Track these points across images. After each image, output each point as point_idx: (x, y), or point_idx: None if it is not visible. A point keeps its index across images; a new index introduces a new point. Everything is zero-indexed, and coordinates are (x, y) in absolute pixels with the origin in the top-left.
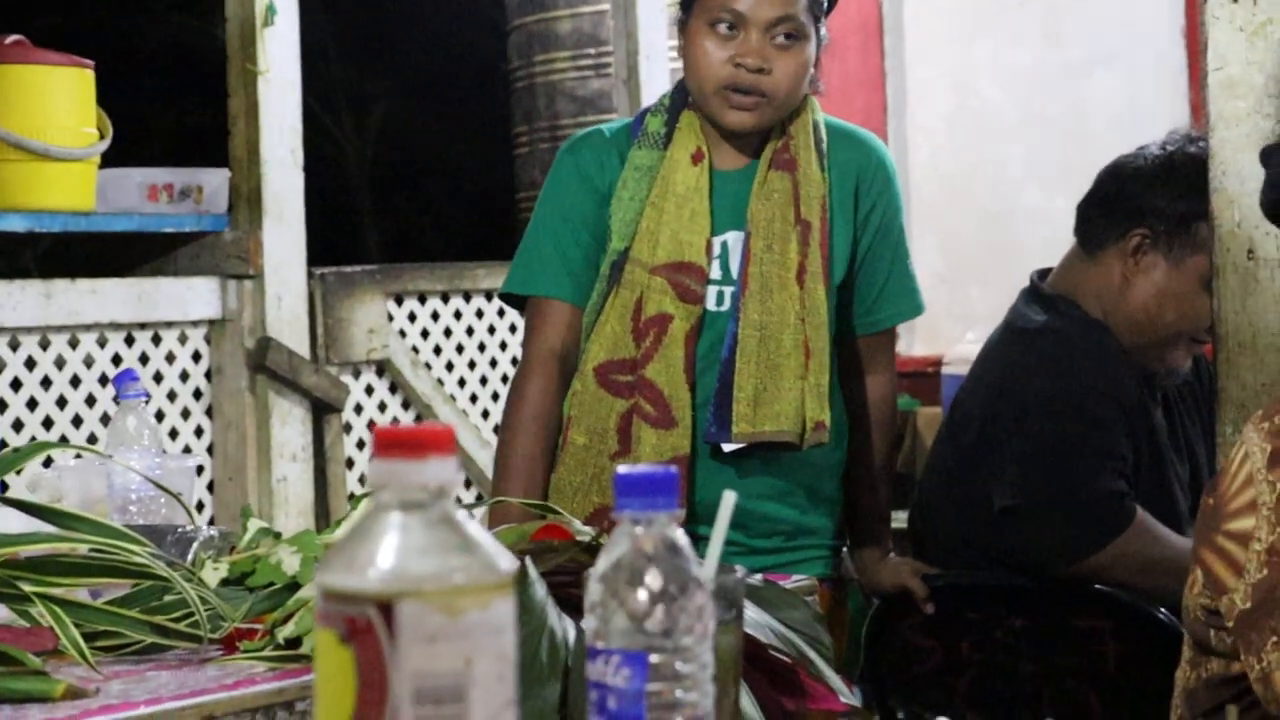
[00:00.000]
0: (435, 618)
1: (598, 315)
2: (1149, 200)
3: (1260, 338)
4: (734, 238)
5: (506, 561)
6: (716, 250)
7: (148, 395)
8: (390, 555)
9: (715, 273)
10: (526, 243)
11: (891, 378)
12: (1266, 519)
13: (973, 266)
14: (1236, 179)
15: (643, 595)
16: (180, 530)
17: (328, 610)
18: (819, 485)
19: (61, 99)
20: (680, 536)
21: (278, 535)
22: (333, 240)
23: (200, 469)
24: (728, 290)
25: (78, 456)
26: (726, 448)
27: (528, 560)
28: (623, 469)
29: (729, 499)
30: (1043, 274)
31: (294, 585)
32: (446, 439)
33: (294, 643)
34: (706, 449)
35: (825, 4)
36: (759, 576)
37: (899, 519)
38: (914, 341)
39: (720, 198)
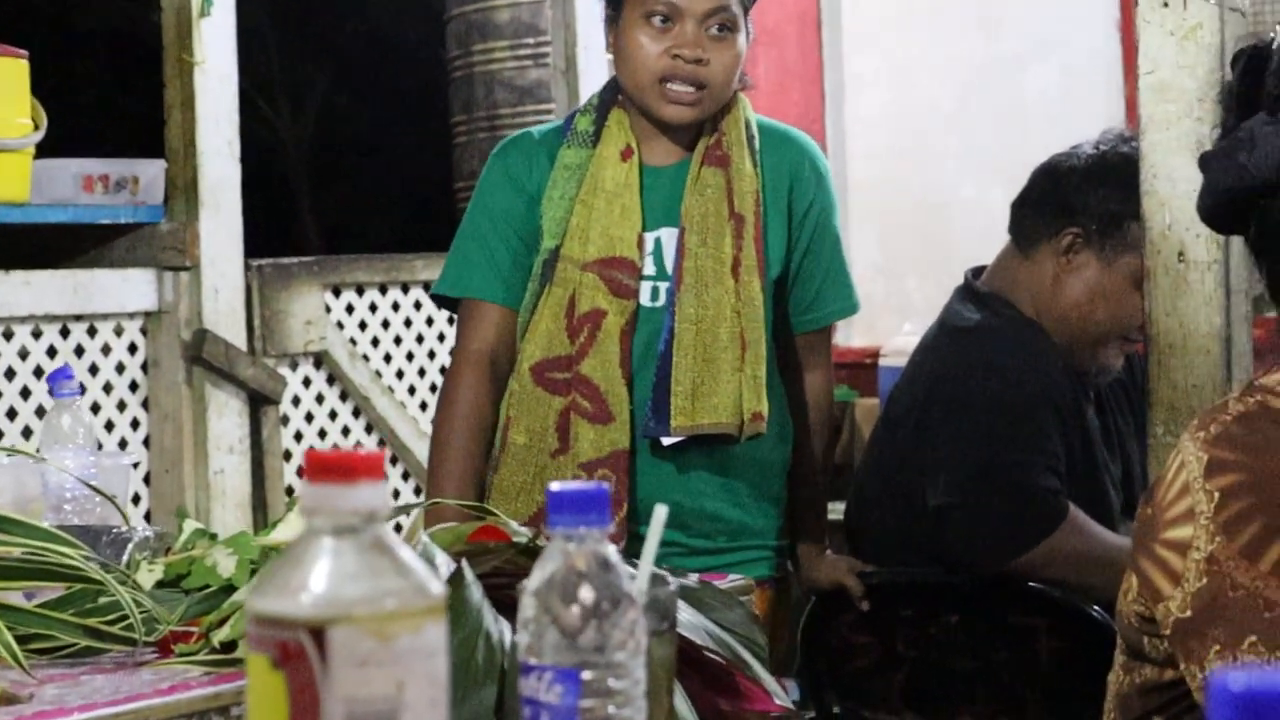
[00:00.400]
0: (367, 642)
1: (531, 314)
2: (1081, 199)
3: (1191, 340)
4: (667, 234)
5: (438, 585)
6: (649, 246)
7: (82, 390)
8: (322, 580)
9: (649, 268)
10: (456, 245)
11: (828, 375)
12: (1205, 528)
13: (910, 258)
14: (1168, 182)
15: (575, 611)
16: (115, 531)
17: (260, 635)
18: (763, 483)
19: None
20: (612, 552)
21: (213, 536)
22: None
23: (136, 464)
24: (662, 286)
25: (11, 454)
26: (665, 441)
27: (464, 562)
28: (554, 486)
29: (660, 513)
30: (977, 272)
31: (229, 588)
32: (376, 464)
33: (229, 646)
34: (646, 445)
35: None
36: (694, 577)
37: (835, 510)
38: (851, 333)
39: (651, 194)
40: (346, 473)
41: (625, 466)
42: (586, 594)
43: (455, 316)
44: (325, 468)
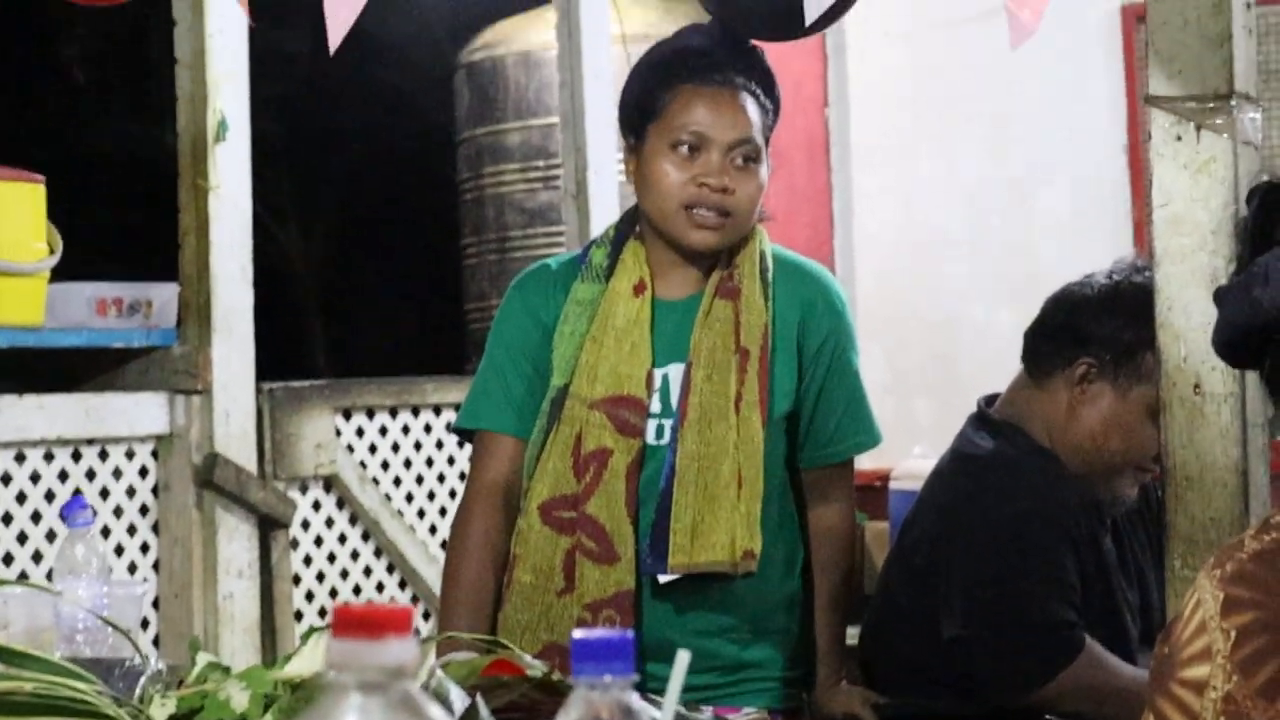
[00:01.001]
0: None
1: (540, 452)
2: (1095, 329)
3: (1208, 472)
4: (675, 370)
5: None
6: (657, 383)
7: (94, 516)
8: None
9: (655, 406)
10: (476, 379)
11: (849, 507)
12: (1222, 667)
13: (919, 379)
14: (1183, 314)
15: None
16: (127, 664)
17: None
18: (767, 618)
19: (11, 214)
20: (635, 700)
21: (226, 670)
22: (281, 352)
23: (146, 591)
24: (667, 423)
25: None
26: (662, 579)
27: (479, 697)
28: (578, 633)
29: (682, 658)
30: (990, 400)
31: None
32: (405, 619)
33: None
34: (648, 582)
35: (772, 129)
36: (710, 711)
37: (849, 636)
38: (861, 456)
39: (662, 329)
40: (375, 628)
41: (630, 606)
42: None
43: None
44: (353, 622)
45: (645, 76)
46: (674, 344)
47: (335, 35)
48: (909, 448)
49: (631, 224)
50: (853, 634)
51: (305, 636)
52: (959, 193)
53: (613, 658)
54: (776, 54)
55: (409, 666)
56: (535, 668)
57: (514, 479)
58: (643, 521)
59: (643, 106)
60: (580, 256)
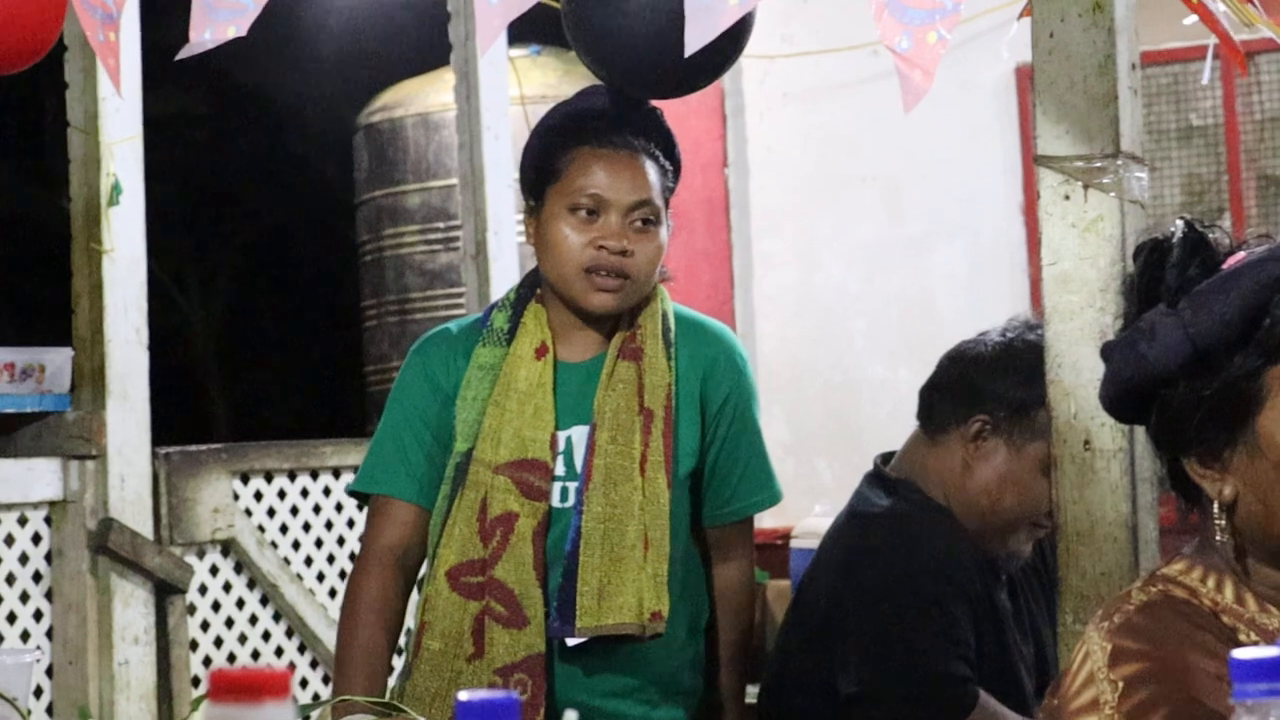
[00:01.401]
0: None
1: (445, 519)
2: (989, 386)
3: (1099, 527)
4: (579, 433)
5: None
6: (561, 446)
7: None
8: None
9: (560, 469)
10: (374, 442)
11: (749, 565)
12: (1109, 717)
13: (819, 439)
14: (1072, 371)
15: None
16: None
17: None
18: (674, 677)
19: None
20: None
21: None
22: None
23: (38, 659)
24: (571, 485)
25: None
26: (570, 642)
27: None
28: (462, 695)
29: (570, 718)
30: (886, 457)
31: None
32: (282, 683)
33: None
34: (557, 646)
35: (671, 190)
36: None
37: (750, 694)
38: (762, 515)
39: (565, 391)
40: (251, 692)
41: (541, 671)
42: None
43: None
44: (229, 687)
45: (544, 139)
46: (577, 406)
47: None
48: (810, 506)
49: (532, 287)
50: (753, 692)
51: (196, 704)
52: (858, 253)
53: (498, 718)
54: (676, 115)
55: None
56: None
57: (409, 544)
58: (551, 584)
59: (542, 169)
60: (481, 320)
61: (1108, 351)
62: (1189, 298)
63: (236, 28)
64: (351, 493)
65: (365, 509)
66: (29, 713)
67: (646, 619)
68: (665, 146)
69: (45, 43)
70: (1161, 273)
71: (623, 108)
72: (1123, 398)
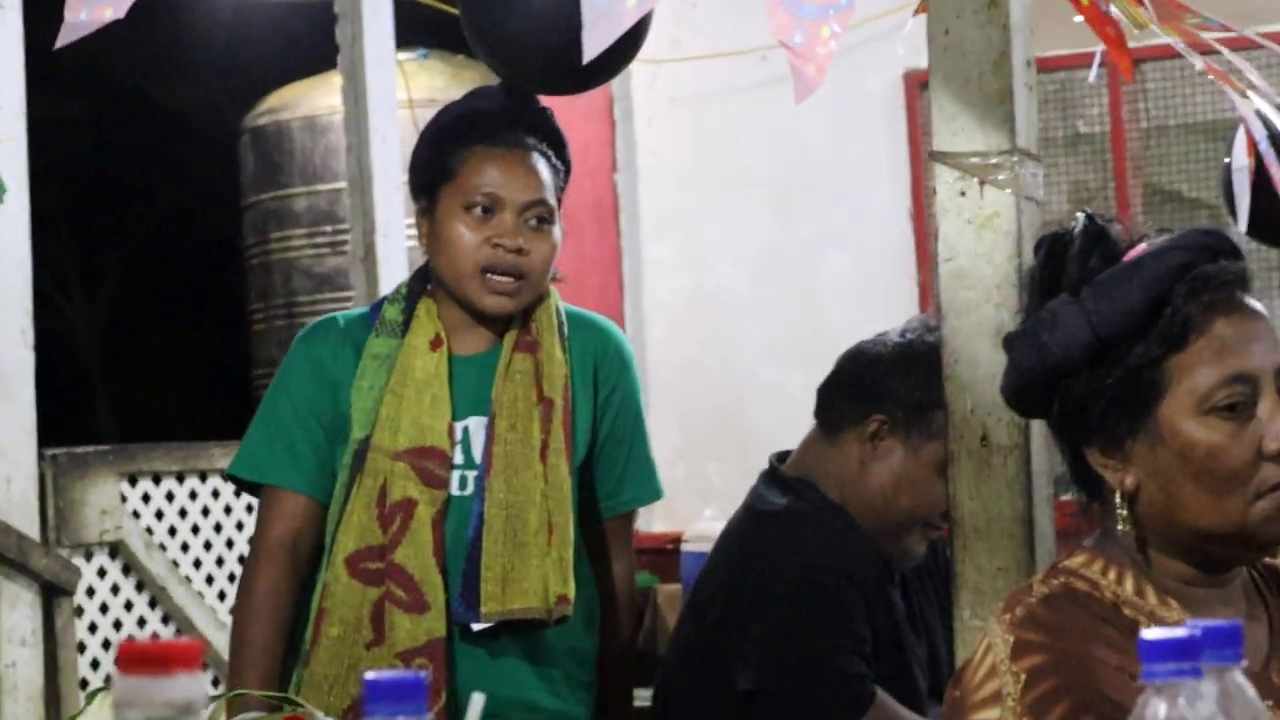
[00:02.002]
0: None
1: (344, 506)
2: (887, 386)
3: (995, 523)
4: (475, 423)
5: None
6: (458, 435)
7: None
8: None
9: (458, 458)
10: (255, 427)
11: (631, 561)
12: (1012, 709)
13: (710, 443)
14: (969, 366)
15: None
16: None
17: None
18: (576, 671)
19: None
20: None
21: None
22: (62, 419)
23: None
24: (470, 474)
25: None
26: (475, 627)
27: None
28: (370, 675)
29: (477, 700)
30: (782, 456)
31: None
32: (193, 654)
33: None
34: (459, 632)
35: (563, 190)
36: None
37: (643, 698)
38: (653, 518)
39: (461, 383)
40: (162, 664)
41: (443, 655)
42: None
43: (254, 503)
44: (139, 659)
45: (436, 139)
46: (472, 398)
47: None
48: (701, 510)
49: (423, 281)
50: (643, 696)
51: (90, 697)
52: (747, 257)
53: (405, 699)
54: (564, 119)
55: (198, 702)
56: None
57: (301, 536)
58: (451, 572)
59: (434, 169)
60: (370, 314)
61: (1009, 342)
62: (1091, 286)
63: (114, 9)
64: (230, 477)
65: (254, 509)
66: None
67: (552, 603)
68: (556, 146)
69: None
70: (1063, 264)
71: (513, 107)
72: (1025, 388)
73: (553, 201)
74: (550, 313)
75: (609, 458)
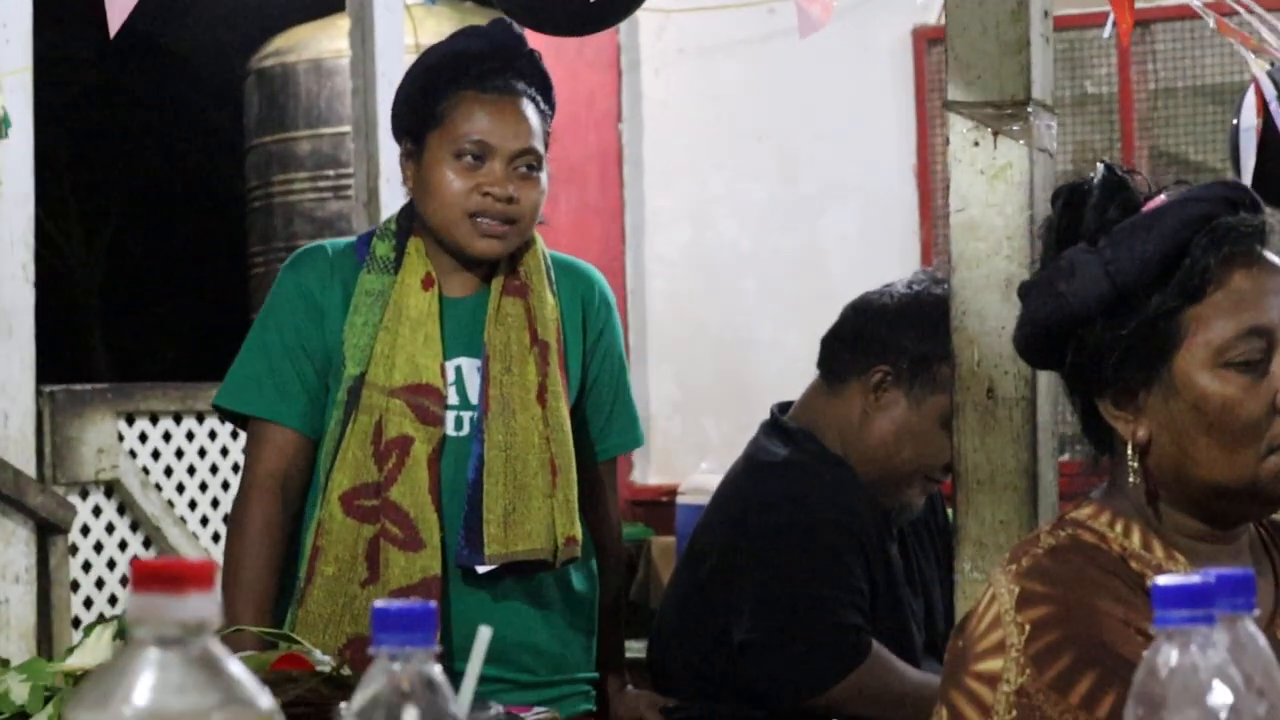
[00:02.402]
0: None
1: (338, 444)
2: (893, 338)
3: (999, 475)
4: (467, 363)
5: (266, 700)
6: (451, 375)
7: None
8: (146, 693)
9: (452, 398)
10: (243, 357)
11: (617, 507)
12: (1015, 660)
13: (707, 397)
14: (977, 318)
15: None
16: None
17: None
18: (577, 615)
19: None
20: (437, 673)
21: (5, 663)
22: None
23: None
24: (466, 415)
25: None
26: (480, 569)
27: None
28: (379, 603)
29: (484, 634)
30: (784, 407)
31: (23, 715)
32: (207, 573)
33: None
34: (459, 575)
35: (549, 134)
36: (500, 708)
37: (636, 649)
38: (648, 470)
39: (450, 324)
40: (176, 582)
41: (438, 594)
42: (411, 715)
43: (245, 438)
44: (153, 576)
45: (423, 81)
46: (462, 339)
47: (115, 22)
48: (697, 464)
49: (410, 219)
50: (636, 647)
51: (88, 630)
52: (750, 211)
53: (414, 628)
54: (570, 68)
55: (211, 622)
56: (324, 663)
57: (291, 470)
58: (449, 513)
59: (422, 113)
60: (359, 247)
61: (1024, 291)
62: (1109, 236)
63: None
64: (216, 408)
65: (240, 436)
66: None
67: (561, 544)
68: (544, 89)
69: None
70: (1081, 215)
71: (503, 50)
72: (1039, 338)
73: (541, 148)
74: (538, 257)
75: (597, 402)
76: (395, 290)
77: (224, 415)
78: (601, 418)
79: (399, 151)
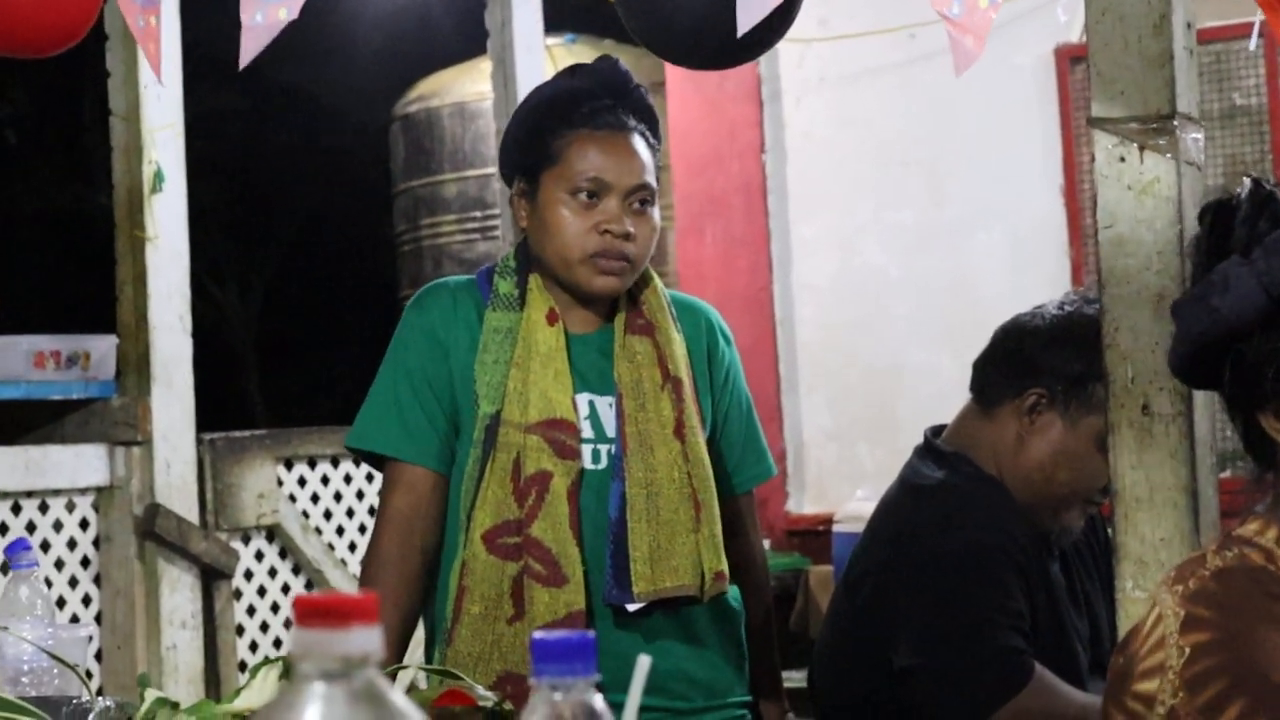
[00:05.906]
0: None
1: (478, 483)
2: (1046, 359)
3: (1157, 493)
4: (598, 400)
5: None
6: (584, 410)
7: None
8: None
9: (586, 431)
10: (372, 397)
11: (759, 536)
12: (1171, 682)
13: (860, 424)
14: (1130, 335)
15: None
16: (75, 702)
17: None
18: (727, 642)
19: None
20: (598, 701)
21: (175, 705)
22: (218, 407)
23: (90, 638)
24: (603, 448)
25: None
26: (630, 608)
27: None
28: (538, 634)
29: (644, 663)
30: (937, 430)
31: None
32: (370, 607)
33: None
34: (606, 611)
35: (658, 167)
36: None
37: (796, 679)
38: (803, 500)
39: (576, 360)
40: (338, 616)
41: (583, 628)
42: None
43: (367, 466)
44: (317, 611)
45: (534, 121)
46: (589, 376)
47: (247, 55)
48: (852, 492)
49: (528, 256)
50: (795, 677)
51: (254, 670)
52: (897, 238)
53: (574, 658)
54: (713, 100)
55: (372, 655)
56: (486, 698)
57: (422, 507)
58: (591, 548)
59: (534, 151)
60: (481, 284)
61: (1177, 309)
62: (1262, 247)
63: (288, 9)
64: (349, 447)
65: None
66: (90, 675)
67: (709, 579)
68: (651, 124)
69: (82, 24)
70: (1229, 230)
71: (611, 88)
72: (1195, 355)
73: (654, 183)
74: (659, 295)
75: (729, 436)
76: (523, 327)
77: (358, 456)
78: (736, 451)
79: (513, 190)
